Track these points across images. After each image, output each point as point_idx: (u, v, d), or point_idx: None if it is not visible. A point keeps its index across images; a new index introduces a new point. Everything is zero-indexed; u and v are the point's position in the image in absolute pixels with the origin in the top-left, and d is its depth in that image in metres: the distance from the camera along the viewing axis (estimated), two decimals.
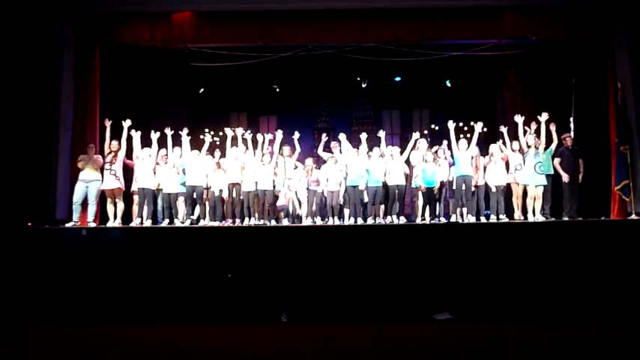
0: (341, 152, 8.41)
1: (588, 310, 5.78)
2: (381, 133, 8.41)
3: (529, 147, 7.78)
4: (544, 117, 7.87)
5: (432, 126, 13.03)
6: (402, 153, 8.22)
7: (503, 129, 8.27)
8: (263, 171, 7.94)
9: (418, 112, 13.50)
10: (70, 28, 8.48)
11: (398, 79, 11.16)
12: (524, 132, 7.95)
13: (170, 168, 8.03)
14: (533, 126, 7.96)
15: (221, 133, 9.14)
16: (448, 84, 10.40)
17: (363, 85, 10.19)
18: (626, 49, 8.34)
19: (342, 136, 8.39)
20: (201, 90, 10.44)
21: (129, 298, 6.06)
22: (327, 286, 6.11)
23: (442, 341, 4.82)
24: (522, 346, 4.62)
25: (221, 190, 8.12)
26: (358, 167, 8.02)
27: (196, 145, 8.61)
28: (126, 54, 9.25)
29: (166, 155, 8.13)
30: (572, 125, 8.75)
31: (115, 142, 7.84)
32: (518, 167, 7.91)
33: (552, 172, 8.06)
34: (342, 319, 5.71)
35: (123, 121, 7.89)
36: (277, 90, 10.43)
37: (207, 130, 10.80)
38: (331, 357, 4.42)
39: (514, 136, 8.41)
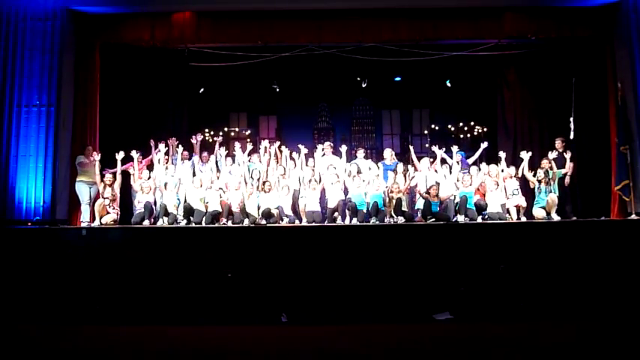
0: (340, 157, 8.51)
1: (588, 309, 5.79)
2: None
3: (539, 182, 7.73)
4: (526, 156, 7.93)
5: (432, 126, 13.04)
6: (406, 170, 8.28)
7: (502, 154, 8.37)
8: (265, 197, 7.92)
9: (418, 112, 13.54)
10: (70, 28, 8.47)
11: (398, 79, 11.14)
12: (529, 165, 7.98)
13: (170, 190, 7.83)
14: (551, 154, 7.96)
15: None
16: (448, 84, 10.38)
17: (363, 85, 10.15)
18: (626, 49, 8.32)
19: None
20: (201, 90, 10.42)
21: (128, 299, 6.07)
22: (327, 286, 6.11)
23: (442, 341, 4.83)
24: (522, 346, 4.63)
25: (219, 213, 7.79)
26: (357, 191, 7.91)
27: (195, 146, 8.72)
28: (126, 54, 9.24)
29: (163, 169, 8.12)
30: (572, 125, 8.74)
31: (109, 175, 7.70)
32: (515, 192, 7.95)
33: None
34: (342, 319, 5.72)
35: (116, 154, 7.84)
36: (277, 90, 10.40)
37: (207, 131, 10.81)
38: (331, 357, 4.43)
39: (512, 162, 8.61)
